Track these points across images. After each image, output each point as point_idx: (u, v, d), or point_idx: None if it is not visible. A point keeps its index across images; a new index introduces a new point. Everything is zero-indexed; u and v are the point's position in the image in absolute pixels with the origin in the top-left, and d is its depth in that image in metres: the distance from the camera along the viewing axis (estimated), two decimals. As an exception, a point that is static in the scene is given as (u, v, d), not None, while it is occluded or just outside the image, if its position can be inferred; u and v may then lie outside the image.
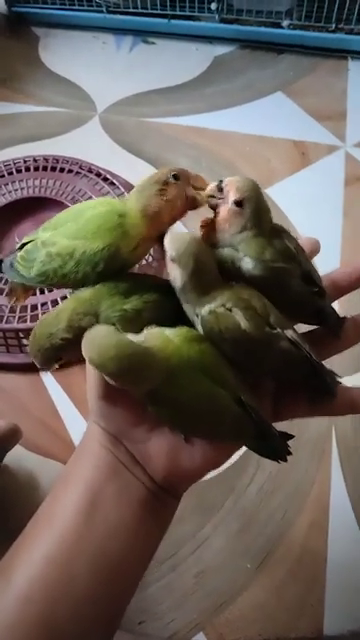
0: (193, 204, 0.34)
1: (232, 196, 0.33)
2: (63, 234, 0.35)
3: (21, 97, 1.04)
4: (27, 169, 0.86)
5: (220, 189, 0.33)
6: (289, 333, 0.33)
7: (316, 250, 0.39)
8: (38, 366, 0.34)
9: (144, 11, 1.09)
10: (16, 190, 0.84)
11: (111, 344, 0.29)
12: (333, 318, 0.36)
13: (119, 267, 0.34)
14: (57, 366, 0.35)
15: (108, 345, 0.29)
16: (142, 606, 0.59)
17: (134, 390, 0.31)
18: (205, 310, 0.32)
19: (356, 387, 0.36)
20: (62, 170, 0.86)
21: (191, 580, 0.60)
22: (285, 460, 0.35)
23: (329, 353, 0.37)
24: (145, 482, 0.34)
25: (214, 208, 0.34)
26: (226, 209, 0.33)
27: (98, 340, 0.29)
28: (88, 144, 0.96)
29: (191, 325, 0.33)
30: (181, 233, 0.33)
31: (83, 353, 0.29)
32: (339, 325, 0.36)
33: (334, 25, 1.06)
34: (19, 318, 0.73)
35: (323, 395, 0.34)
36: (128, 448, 0.34)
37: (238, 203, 0.32)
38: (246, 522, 0.64)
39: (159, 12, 1.09)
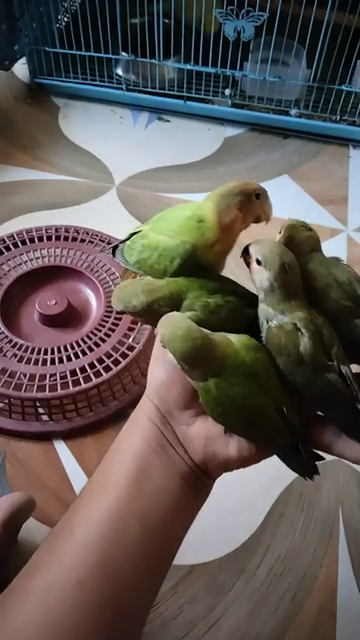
0: (258, 221, 0.39)
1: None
2: (155, 229, 0.41)
3: (41, 165, 1.08)
4: (49, 238, 0.90)
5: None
6: (344, 369, 0.35)
7: None
8: (113, 306, 0.39)
9: (161, 91, 1.16)
10: (37, 258, 0.87)
11: (183, 325, 0.34)
12: None
13: (196, 264, 0.39)
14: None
15: (180, 325, 0.34)
16: None
17: (192, 374, 0.35)
18: (274, 322, 0.35)
19: None
20: (82, 241, 0.89)
21: (202, 664, 0.61)
22: (312, 478, 0.38)
23: None
24: (186, 460, 0.39)
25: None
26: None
27: (172, 320, 0.34)
28: (106, 215, 1.00)
29: (258, 335, 0.37)
30: (265, 239, 0.37)
31: (158, 329, 0.34)
32: None
33: (338, 116, 1.14)
34: (38, 387, 0.74)
35: (356, 435, 0.36)
36: (173, 428, 0.39)
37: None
38: (256, 604, 0.65)
39: (176, 93, 1.15)
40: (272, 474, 0.74)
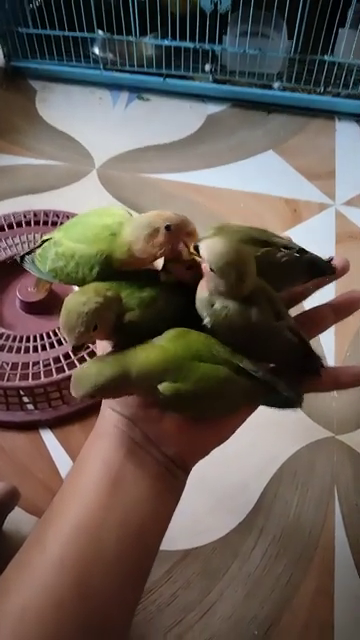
0: (177, 257, 0.36)
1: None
2: (69, 236, 0.38)
3: (19, 149, 1.05)
4: (27, 223, 0.87)
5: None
6: (291, 322, 0.37)
7: (345, 268, 0.41)
8: (74, 343, 0.35)
9: (140, 69, 1.13)
10: (17, 244, 0.85)
11: (90, 378, 0.33)
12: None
13: (114, 272, 0.37)
14: (89, 345, 0.37)
15: (87, 380, 0.33)
16: None
17: (136, 392, 0.35)
18: (218, 305, 0.35)
19: (341, 366, 0.41)
20: (62, 225, 0.87)
21: (198, 650, 0.59)
22: (300, 405, 0.38)
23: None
24: (159, 459, 0.37)
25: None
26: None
27: (77, 377, 0.33)
28: (86, 198, 0.98)
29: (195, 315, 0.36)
30: (216, 241, 0.34)
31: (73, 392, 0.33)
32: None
33: (322, 88, 1.11)
34: (21, 376, 0.72)
35: (312, 374, 0.38)
36: (142, 429, 0.37)
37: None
38: (252, 587, 0.63)
39: (155, 71, 1.12)
40: (264, 455, 0.73)
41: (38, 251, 0.41)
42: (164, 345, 0.34)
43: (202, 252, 0.34)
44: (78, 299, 0.35)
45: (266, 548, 0.66)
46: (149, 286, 0.37)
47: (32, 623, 0.32)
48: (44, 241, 0.41)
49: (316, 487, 0.70)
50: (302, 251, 0.39)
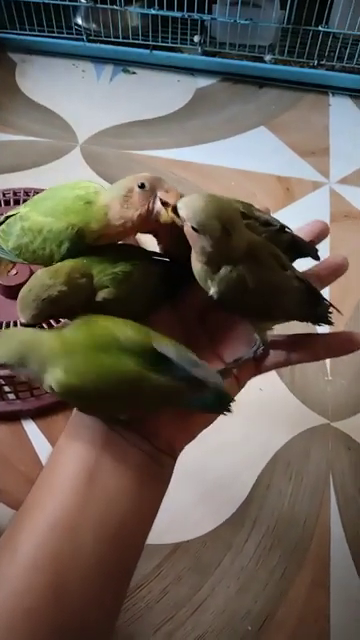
0: (156, 218, 0.33)
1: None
2: (38, 210, 0.36)
3: (-2, 125, 1.00)
4: (7, 202, 0.83)
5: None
6: (296, 271, 0.35)
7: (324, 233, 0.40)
8: (24, 320, 0.33)
9: (125, 41, 1.07)
10: (-5, 225, 0.80)
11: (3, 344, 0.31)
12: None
13: (85, 248, 0.35)
14: (44, 325, 0.34)
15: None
16: None
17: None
18: (225, 270, 0.32)
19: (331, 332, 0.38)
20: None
21: (189, 647, 0.57)
22: (229, 410, 0.34)
23: None
24: (142, 447, 0.35)
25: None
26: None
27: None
28: (70, 175, 0.93)
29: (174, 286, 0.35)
30: (193, 197, 0.31)
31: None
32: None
33: (316, 61, 1.07)
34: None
35: (324, 322, 0.36)
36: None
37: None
38: (245, 581, 0.61)
39: (141, 42, 1.07)
40: (256, 444, 0.70)
41: (1, 227, 0.37)
42: (66, 334, 0.31)
43: (181, 212, 0.31)
44: (44, 280, 0.32)
45: (259, 540, 0.63)
46: (122, 260, 0.34)
47: (2, 630, 0.29)
48: (8, 217, 0.37)
49: (311, 476, 0.68)
50: (283, 229, 0.36)
